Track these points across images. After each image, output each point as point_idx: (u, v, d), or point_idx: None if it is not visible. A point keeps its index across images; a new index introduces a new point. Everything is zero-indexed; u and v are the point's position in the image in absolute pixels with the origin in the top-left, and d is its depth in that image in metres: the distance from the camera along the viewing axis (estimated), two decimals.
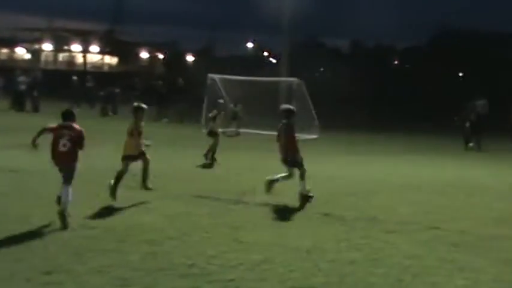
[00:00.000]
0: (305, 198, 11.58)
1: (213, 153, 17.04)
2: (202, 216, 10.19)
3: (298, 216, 10.50)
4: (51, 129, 9.52)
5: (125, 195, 11.57)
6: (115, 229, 9.07)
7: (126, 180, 12.88)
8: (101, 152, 17.38)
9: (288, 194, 12.38)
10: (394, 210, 11.37)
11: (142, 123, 11.99)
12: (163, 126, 30.01)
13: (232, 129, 27.03)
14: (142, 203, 10.97)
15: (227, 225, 9.59)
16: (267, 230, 9.42)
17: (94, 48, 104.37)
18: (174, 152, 19.10)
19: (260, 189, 12.68)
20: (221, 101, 20.84)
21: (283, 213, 10.74)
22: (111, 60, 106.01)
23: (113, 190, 11.18)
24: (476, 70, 71.08)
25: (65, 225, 8.93)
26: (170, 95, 34.09)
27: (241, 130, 27.51)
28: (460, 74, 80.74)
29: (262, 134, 25.63)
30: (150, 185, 11.80)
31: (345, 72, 73.52)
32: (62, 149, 9.30)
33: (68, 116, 9.67)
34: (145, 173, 11.86)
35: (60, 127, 9.49)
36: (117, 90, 35.38)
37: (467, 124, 24.94)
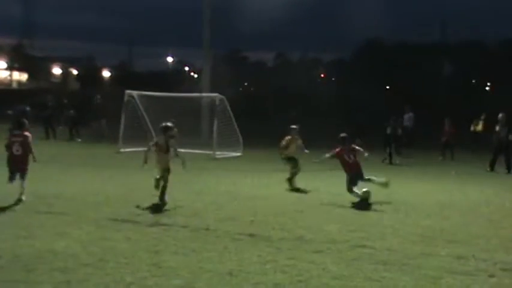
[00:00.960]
0: None
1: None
2: (119, 240, 10.02)
3: (221, 238, 10.46)
4: None
5: (33, 221, 11.31)
6: (23, 257, 8.80)
7: (35, 205, 12.66)
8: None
9: (209, 215, 12.38)
10: (320, 228, 11.50)
11: (172, 140, 14.17)
12: (77, 146, 29.53)
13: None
14: (53, 228, 10.70)
15: (146, 250, 9.47)
16: (188, 254, 9.34)
17: (1, 63, 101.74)
18: (87, 173, 18.77)
19: (179, 210, 12.66)
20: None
21: (205, 235, 10.69)
22: (20, 76, 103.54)
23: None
24: (402, 82, 73.25)
25: None
26: (85, 112, 33.63)
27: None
28: (387, 87, 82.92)
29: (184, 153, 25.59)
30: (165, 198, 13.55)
31: (270, 86, 74.36)
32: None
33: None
34: (164, 189, 13.68)
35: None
36: (28, 108, 34.48)
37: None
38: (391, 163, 25.50)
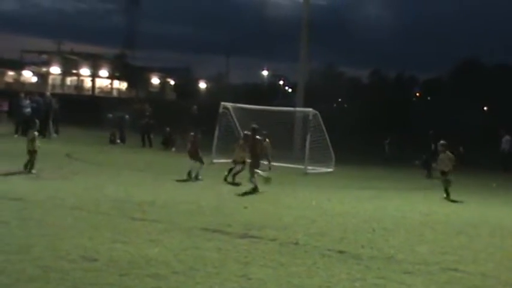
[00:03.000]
0: None
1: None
2: (210, 250, 10.17)
3: (310, 253, 10.44)
4: None
5: (129, 227, 11.64)
6: (118, 262, 9.06)
7: (130, 211, 13.04)
8: (111, 182, 17.55)
9: (299, 230, 12.39)
10: (411, 249, 11.30)
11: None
12: (171, 155, 30.16)
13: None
14: (147, 235, 10.98)
15: (235, 261, 9.57)
16: (276, 267, 9.37)
17: (103, 72, 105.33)
18: (180, 182, 19.13)
19: (269, 223, 12.74)
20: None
21: (294, 249, 10.70)
22: (120, 85, 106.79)
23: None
24: (500, 104, 71.05)
25: None
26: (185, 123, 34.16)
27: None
28: (485, 108, 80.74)
29: (276, 166, 25.69)
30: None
31: (364, 103, 73.71)
32: None
33: None
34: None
35: None
36: (127, 116, 35.48)
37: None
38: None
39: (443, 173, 19.62)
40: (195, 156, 19.94)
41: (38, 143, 18.73)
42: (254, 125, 19.29)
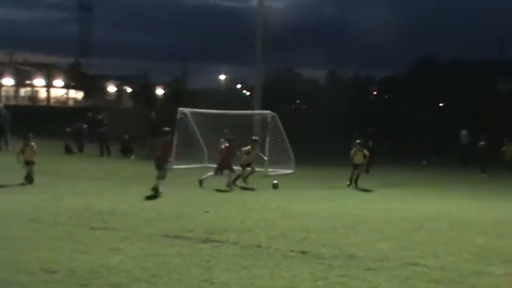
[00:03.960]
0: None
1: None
2: (172, 256, 10.14)
3: (272, 255, 10.48)
4: None
5: (89, 236, 11.55)
6: (78, 272, 8.98)
7: (90, 221, 12.95)
8: (70, 192, 17.39)
9: (261, 232, 12.43)
10: (372, 246, 11.43)
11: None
12: (130, 163, 29.97)
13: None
14: (107, 244, 10.90)
15: (198, 266, 9.56)
16: (239, 270, 9.39)
17: (58, 82, 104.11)
18: (140, 190, 19.01)
19: (231, 226, 12.77)
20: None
21: (257, 251, 10.73)
22: (76, 94, 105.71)
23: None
24: (456, 100, 72.21)
25: None
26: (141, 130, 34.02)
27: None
28: (441, 104, 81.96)
29: (236, 170, 25.71)
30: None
31: (323, 103, 74.23)
32: None
33: None
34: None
35: None
36: (85, 126, 35.13)
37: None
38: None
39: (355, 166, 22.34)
40: (164, 162, 19.12)
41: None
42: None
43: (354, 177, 21.99)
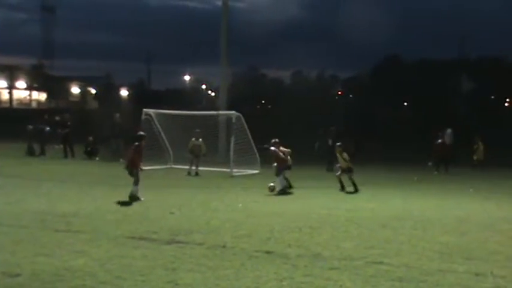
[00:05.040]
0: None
1: None
2: (136, 258, 10.08)
3: (238, 255, 10.48)
4: None
5: (52, 239, 11.42)
6: (41, 275, 8.88)
7: (53, 223, 12.81)
8: (32, 195, 17.18)
9: (226, 233, 12.42)
10: (337, 245, 11.49)
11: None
12: (95, 164, 29.70)
13: (192, 167, 25.54)
14: (71, 246, 10.79)
15: (162, 267, 9.51)
16: (204, 271, 9.37)
17: (21, 84, 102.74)
18: (105, 192, 18.89)
19: (196, 227, 12.74)
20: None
21: (222, 252, 10.72)
22: (39, 96, 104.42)
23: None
24: (421, 99, 73.01)
25: None
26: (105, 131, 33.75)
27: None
28: (405, 103, 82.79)
29: (202, 171, 25.67)
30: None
31: (287, 103, 74.47)
32: None
33: None
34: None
35: None
36: (48, 128, 34.69)
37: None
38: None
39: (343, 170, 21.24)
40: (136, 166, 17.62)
41: None
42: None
43: (351, 181, 20.98)
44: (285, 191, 19.86)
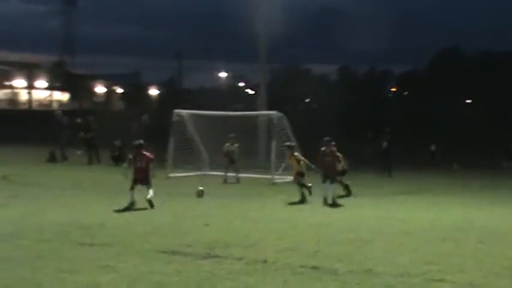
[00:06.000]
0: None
1: None
2: (169, 274, 10.13)
3: (280, 271, 10.46)
4: None
5: (76, 254, 11.55)
6: None
7: (77, 236, 12.95)
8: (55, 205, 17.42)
9: (267, 246, 12.42)
10: (391, 260, 11.41)
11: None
12: (121, 171, 29.91)
13: (231, 174, 25.94)
14: (97, 261, 10.89)
15: (198, 285, 9.55)
16: None
17: (41, 83, 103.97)
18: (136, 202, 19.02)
19: (234, 240, 12.75)
20: None
21: (263, 267, 10.72)
22: (61, 96, 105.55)
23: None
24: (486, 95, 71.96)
25: None
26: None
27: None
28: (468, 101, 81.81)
29: (241, 177, 25.72)
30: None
31: (334, 102, 74.16)
32: None
33: None
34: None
35: None
36: (70, 130, 34.98)
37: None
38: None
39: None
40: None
41: None
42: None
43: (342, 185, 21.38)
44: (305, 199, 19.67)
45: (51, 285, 9.34)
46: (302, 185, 20.04)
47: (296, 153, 20.87)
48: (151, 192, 17.68)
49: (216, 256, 11.48)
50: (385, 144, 28.98)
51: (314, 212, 17.61)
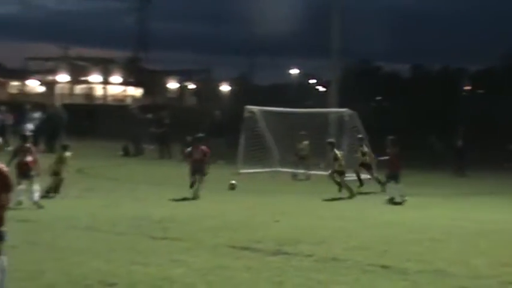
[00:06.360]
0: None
1: None
2: (239, 269, 10.20)
3: (350, 269, 10.43)
4: None
5: (149, 246, 11.73)
6: (138, 285, 9.14)
7: (149, 229, 13.14)
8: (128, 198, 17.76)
9: (337, 244, 12.37)
10: (465, 261, 11.23)
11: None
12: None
13: (301, 171, 25.96)
14: (169, 255, 11.04)
15: (267, 281, 9.59)
16: (314, 286, 9.38)
17: (115, 78, 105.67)
18: (204, 196, 19.17)
19: (304, 237, 12.74)
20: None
21: (333, 265, 10.69)
22: (135, 91, 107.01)
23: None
24: None
25: None
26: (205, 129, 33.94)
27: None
28: None
29: (311, 174, 25.68)
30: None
31: (406, 100, 73.16)
32: None
33: None
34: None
35: None
36: (143, 125, 35.39)
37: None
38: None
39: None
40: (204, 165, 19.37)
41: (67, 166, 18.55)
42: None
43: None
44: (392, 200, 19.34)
45: (125, 277, 9.50)
46: (344, 184, 20.36)
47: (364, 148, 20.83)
48: (202, 182, 18.74)
49: (286, 253, 11.50)
50: (460, 143, 28.50)
51: (384, 211, 17.46)
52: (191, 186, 18.74)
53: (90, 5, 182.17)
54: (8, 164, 15.46)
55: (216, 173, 22.38)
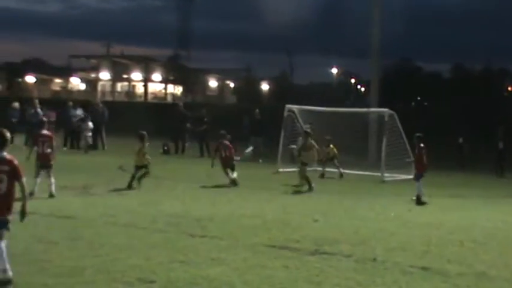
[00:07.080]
0: None
1: None
2: (277, 269, 10.17)
3: (390, 270, 10.34)
4: None
5: (187, 244, 11.75)
6: (177, 283, 9.16)
7: (188, 227, 13.19)
8: (167, 196, 17.79)
9: (376, 244, 12.28)
10: (506, 264, 11.08)
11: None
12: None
13: (331, 169, 25.99)
14: (207, 253, 11.06)
15: (306, 280, 9.55)
16: (353, 287, 9.32)
17: (156, 76, 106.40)
18: (243, 195, 19.20)
19: (343, 237, 12.67)
20: None
21: (372, 266, 10.60)
22: (175, 89, 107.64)
23: None
24: None
25: None
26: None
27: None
28: None
29: (349, 174, 25.58)
30: None
31: (447, 101, 72.50)
32: None
33: None
34: None
35: None
36: (188, 124, 35.43)
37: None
38: None
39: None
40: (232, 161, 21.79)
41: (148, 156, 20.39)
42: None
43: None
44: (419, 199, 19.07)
45: (164, 275, 9.53)
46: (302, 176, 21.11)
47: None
48: (235, 174, 21.09)
49: (324, 253, 11.45)
50: (501, 144, 28.17)
51: (424, 212, 17.29)
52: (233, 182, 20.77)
53: (132, 4, 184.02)
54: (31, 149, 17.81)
55: (255, 171, 22.41)
